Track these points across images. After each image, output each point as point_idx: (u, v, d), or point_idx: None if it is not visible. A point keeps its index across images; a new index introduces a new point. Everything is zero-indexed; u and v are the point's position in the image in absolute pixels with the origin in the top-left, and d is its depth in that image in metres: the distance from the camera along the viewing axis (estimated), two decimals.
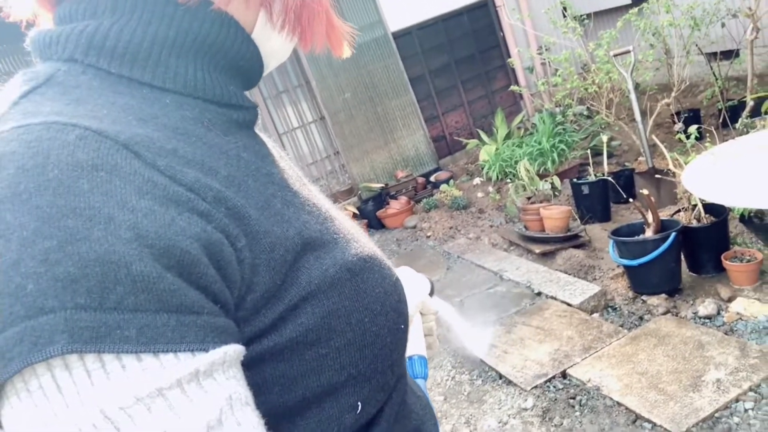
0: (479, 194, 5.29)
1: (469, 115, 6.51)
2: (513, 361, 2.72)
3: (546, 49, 5.73)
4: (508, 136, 5.85)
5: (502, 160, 5.31)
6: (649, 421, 2.11)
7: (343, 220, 0.62)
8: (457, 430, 2.44)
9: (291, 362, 0.49)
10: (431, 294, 0.95)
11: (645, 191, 2.97)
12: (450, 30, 6.29)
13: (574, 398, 2.37)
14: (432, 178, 5.90)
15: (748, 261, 2.83)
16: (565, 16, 5.42)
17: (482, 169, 5.57)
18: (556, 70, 5.80)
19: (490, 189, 5.29)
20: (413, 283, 0.87)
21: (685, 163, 3.09)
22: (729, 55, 5.26)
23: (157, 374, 0.38)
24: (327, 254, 0.53)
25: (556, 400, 2.40)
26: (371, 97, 5.80)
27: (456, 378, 2.77)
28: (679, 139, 3.57)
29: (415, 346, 0.83)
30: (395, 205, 5.28)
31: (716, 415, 2.05)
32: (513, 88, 5.32)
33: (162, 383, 0.38)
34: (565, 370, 2.55)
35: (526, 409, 2.41)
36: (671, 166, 3.32)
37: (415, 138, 6.12)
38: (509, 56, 6.46)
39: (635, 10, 4.59)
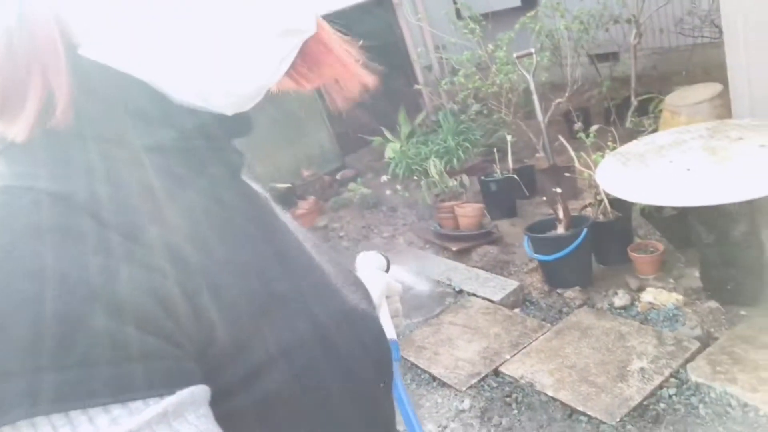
0: (387, 191, 5.28)
1: (372, 112, 6.49)
2: (445, 362, 2.73)
3: (443, 48, 5.85)
4: (411, 134, 5.90)
5: (408, 157, 5.35)
6: (584, 414, 2.20)
7: (328, 269, 0.61)
8: None
9: (263, 421, 0.49)
10: (387, 270, 0.96)
11: (558, 189, 3.10)
12: (350, 26, 6.20)
13: (510, 396, 2.42)
14: (338, 176, 5.82)
15: (652, 252, 3.05)
16: (460, 18, 5.57)
17: (389, 166, 5.59)
18: (453, 68, 5.97)
19: (398, 187, 5.30)
20: (371, 264, 0.89)
21: (593, 162, 3.27)
22: (611, 57, 5.68)
23: (125, 421, 0.38)
24: (298, 311, 0.52)
25: (492, 399, 2.44)
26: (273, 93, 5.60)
27: None
28: (579, 137, 3.76)
29: (385, 330, 0.85)
30: (304, 206, 5.14)
31: (644, 403, 2.17)
32: (418, 86, 5.36)
33: (131, 427, 0.38)
34: (497, 368, 2.59)
35: (463, 411, 2.42)
36: (576, 164, 3.50)
37: (320, 136, 6.01)
38: (407, 54, 6.53)
39: (532, 13, 4.81)
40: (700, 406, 2.09)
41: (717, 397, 2.09)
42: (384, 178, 5.56)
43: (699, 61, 4.64)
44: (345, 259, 0.72)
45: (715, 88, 3.14)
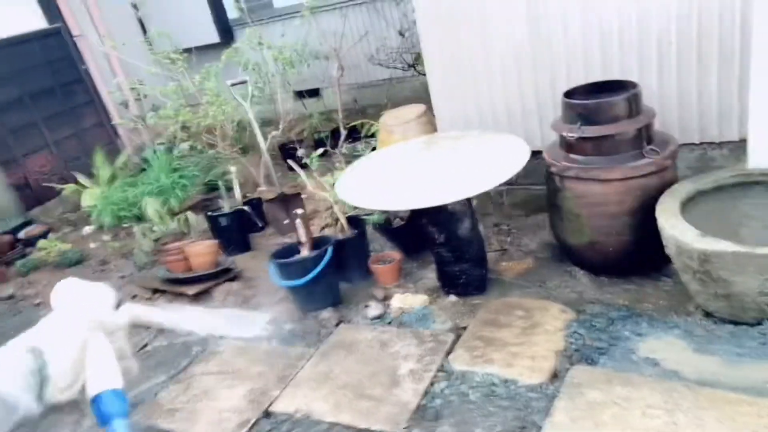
0: (92, 245, 4.55)
1: (58, 157, 5.57)
2: (207, 418, 2.36)
3: (140, 83, 5.37)
4: (113, 178, 5.22)
5: (112, 203, 4.69)
6: (369, 430, 2.10)
7: None
8: None
9: None
10: (118, 306, 0.79)
11: (300, 210, 3.03)
12: (17, 59, 5.29)
13: None
14: (22, 235, 4.80)
15: (390, 262, 3.18)
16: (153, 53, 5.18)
17: (89, 216, 4.82)
18: (153, 105, 5.51)
19: (105, 237, 4.61)
20: (85, 296, 0.70)
21: (327, 183, 3.30)
22: (314, 93, 5.97)
23: None
24: None
25: None
26: None
27: None
28: (304, 164, 3.76)
29: (102, 378, 0.69)
30: None
31: (422, 403, 2.19)
32: (119, 121, 4.79)
33: None
34: (267, 408, 2.34)
35: None
36: (309, 187, 3.47)
37: None
38: (96, 91, 5.83)
39: (236, 45, 4.73)
40: (470, 392, 2.19)
41: (481, 380, 2.22)
42: (87, 229, 4.80)
43: (395, 92, 5.17)
44: None
45: (420, 108, 3.49)
